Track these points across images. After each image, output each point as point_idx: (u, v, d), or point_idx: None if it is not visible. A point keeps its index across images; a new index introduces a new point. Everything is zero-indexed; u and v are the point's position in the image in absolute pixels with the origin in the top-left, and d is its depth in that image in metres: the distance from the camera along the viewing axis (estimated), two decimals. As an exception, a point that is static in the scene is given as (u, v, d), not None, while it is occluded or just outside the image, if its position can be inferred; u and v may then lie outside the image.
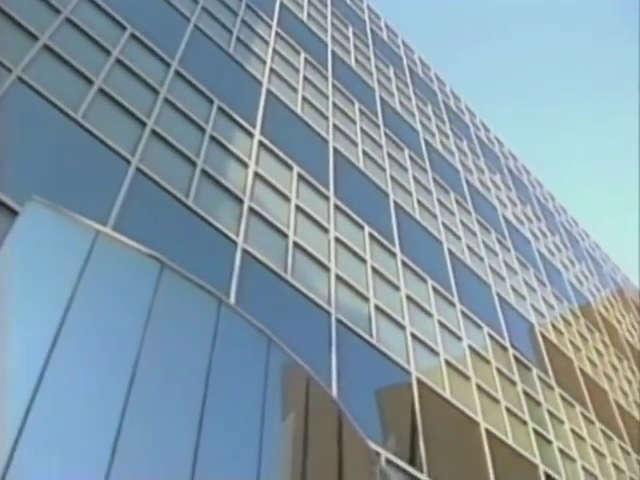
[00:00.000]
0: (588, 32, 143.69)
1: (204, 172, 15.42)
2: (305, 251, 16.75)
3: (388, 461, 14.37)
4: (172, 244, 12.97)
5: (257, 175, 17.14)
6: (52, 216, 9.16)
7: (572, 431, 24.05)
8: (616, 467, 25.52)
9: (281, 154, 18.63)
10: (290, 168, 18.60)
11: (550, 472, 20.40)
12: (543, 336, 27.66)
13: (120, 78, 15.27)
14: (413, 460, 15.34)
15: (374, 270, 18.99)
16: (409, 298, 19.70)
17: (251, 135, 18.07)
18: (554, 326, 29.64)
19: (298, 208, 17.71)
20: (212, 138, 16.61)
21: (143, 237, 12.40)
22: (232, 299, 13.13)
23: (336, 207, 19.37)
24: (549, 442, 21.83)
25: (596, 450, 24.90)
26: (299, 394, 11.90)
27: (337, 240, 18.31)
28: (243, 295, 13.59)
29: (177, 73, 17.27)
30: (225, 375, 9.17)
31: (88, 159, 12.77)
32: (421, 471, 15.17)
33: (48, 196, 11.30)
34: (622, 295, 46.41)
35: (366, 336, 16.55)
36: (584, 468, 22.92)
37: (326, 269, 17.04)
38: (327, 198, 19.27)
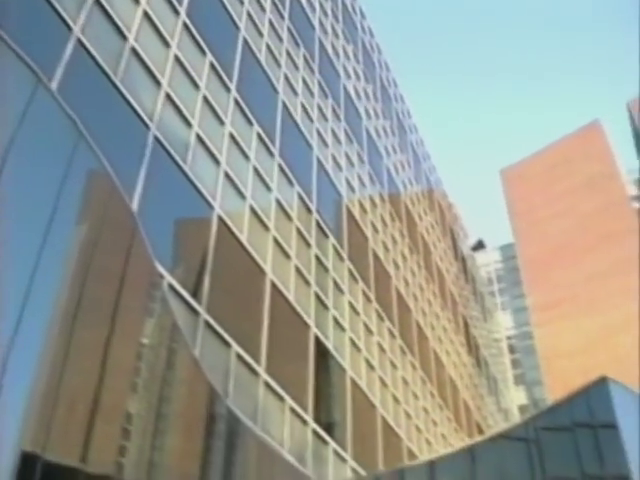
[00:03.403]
0: None
1: (55, -55, 14.20)
2: (141, 60, 16.02)
3: (171, 287, 14.40)
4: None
5: (111, -34, 16.04)
6: None
7: (349, 304, 25.07)
8: (380, 346, 26.96)
9: (142, -47, 17.48)
10: (147, -29, 17.53)
11: (320, 335, 21.25)
12: (348, 210, 28.33)
13: None
14: (196, 293, 15.47)
15: (205, 99, 18.53)
16: (232, 137, 19.45)
17: None
18: (361, 204, 30.39)
19: (146, 14, 16.81)
20: None
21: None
22: (54, 85, 12.38)
23: (185, 26, 18.55)
24: (326, 308, 22.66)
25: (366, 326, 26.14)
26: (98, 200, 11.56)
27: (176, 59, 17.63)
28: (66, 85, 12.81)
29: None
30: (25, 157, 8.69)
31: None
32: (200, 304, 15.34)
33: None
34: (430, 195, 48.12)
35: (180, 161, 16.25)
36: (351, 340, 24.05)
37: (158, 84, 16.43)
38: (178, 13, 18.42)
